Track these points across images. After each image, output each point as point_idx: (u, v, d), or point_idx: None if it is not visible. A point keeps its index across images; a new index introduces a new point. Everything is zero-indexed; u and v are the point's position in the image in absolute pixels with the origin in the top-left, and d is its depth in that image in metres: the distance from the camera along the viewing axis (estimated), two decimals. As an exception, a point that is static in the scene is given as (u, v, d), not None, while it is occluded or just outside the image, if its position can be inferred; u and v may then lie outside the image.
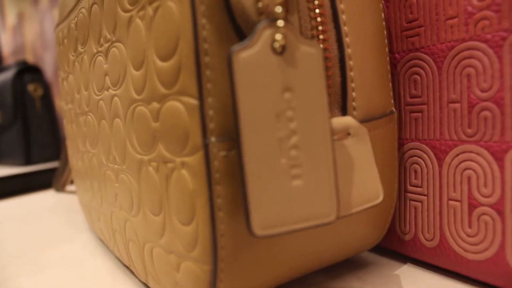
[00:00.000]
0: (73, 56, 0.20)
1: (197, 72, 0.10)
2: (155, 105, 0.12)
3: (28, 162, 0.63)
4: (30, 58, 1.14)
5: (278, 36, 0.10)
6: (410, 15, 0.15)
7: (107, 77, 0.15)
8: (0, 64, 1.00)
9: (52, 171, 0.49)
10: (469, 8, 0.13)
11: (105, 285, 0.17)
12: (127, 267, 0.19)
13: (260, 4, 0.10)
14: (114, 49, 0.14)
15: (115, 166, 0.15)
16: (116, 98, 0.14)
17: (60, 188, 0.39)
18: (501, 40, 0.12)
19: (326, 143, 0.10)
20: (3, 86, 0.65)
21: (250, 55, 0.09)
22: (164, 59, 0.11)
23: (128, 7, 0.13)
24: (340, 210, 0.11)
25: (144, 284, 0.17)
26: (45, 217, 0.30)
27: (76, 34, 0.19)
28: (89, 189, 0.21)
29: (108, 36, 0.15)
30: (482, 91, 0.13)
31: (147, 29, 0.12)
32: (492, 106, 0.13)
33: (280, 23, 0.10)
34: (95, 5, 0.16)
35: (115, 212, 0.16)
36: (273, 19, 0.10)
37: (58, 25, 0.24)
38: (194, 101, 0.10)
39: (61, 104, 0.25)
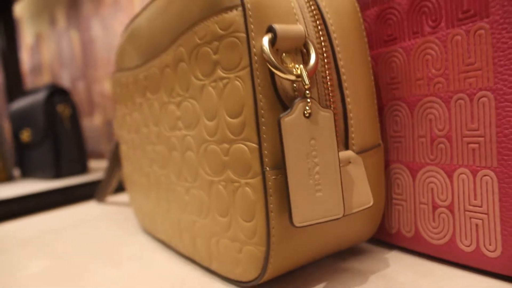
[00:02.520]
0: (140, 99, 0.27)
1: (257, 127, 0.17)
2: (225, 145, 0.18)
3: (57, 176, 0.70)
4: (47, 76, 1.21)
5: (307, 107, 0.16)
6: (392, 74, 0.22)
7: (179, 121, 0.22)
8: (20, 81, 1.07)
9: (80, 185, 0.55)
10: (430, 74, 0.20)
11: (171, 271, 0.24)
12: (186, 257, 0.25)
13: (295, 87, 0.17)
14: (187, 102, 0.21)
15: (186, 183, 0.22)
16: (189, 137, 0.21)
17: (102, 200, 0.46)
18: (449, 97, 0.19)
19: (336, 169, 0.17)
20: (34, 107, 0.72)
21: (291, 119, 0.16)
22: (233, 117, 0.18)
23: (201, 77, 0.20)
24: (345, 211, 0.18)
25: (205, 268, 0.23)
26: (99, 224, 0.37)
27: (146, 84, 0.26)
28: (153, 200, 0.27)
29: (181, 93, 0.21)
30: (439, 130, 0.20)
31: (219, 96, 0.18)
32: (445, 141, 0.19)
33: (308, 99, 0.16)
34: (167, 69, 0.23)
35: (183, 216, 0.23)
36: (303, 96, 0.16)
37: (118, 71, 0.31)
38: (254, 145, 0.17)
39: (121, 132, 0.32)
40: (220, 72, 0.18)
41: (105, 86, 1.02)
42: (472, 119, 0.18)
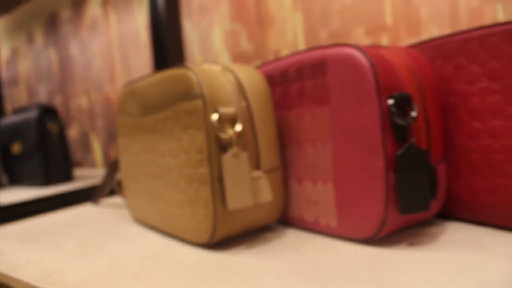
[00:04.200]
0: (140, 136, 0.45)
1: (209, 160, 0.36)
2: (193, 169, 0.37)
3: (47, 183, 0.87)
4: (23, 89, 1.36)
5: (235, 151, 0.35)
6: (289, 127, 0.41)
7: (166, 153, 0.40)
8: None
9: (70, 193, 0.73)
10: (303, 132, 0.39)
11: (158, 241, 0.42)
12: (168, 233, 0.44)
13: (229, 140, 0.36)
14: (171, 144, 0.40)
15: (170, 189, 0.41)
16: (172, 163, 0.40)
17: (97, 202, 0.64)
18: (305, 142, 0.38)
19: (249, 181, 0.36)
20: (26, 124, 0.88)
21: (227, 157, 0.35)
22: (197, 154, 0.36)
23: (179, 132, 0.38)
24: (254, 202, 0.37)
25: (180, 239, 0.42)
26: (101, 218, 0.55)
27: (145, 128, 0.44)
28: (147, 200, 0.45)
29: (168, 138, 0.40)
30: (309, 161, 0.39)
31: (190, 142, 0.37)
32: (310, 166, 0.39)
33: (235, 147, 0.35)
34: (160, 123, 0.41)
35: (167, 209, 0.41)
36: (233, 145, 0.35)
37: (121, 114, 0.49)
38: (208, 169, 0.36)
39: (122, 155, 0.50)
40: (190, 130, 0.37)
41: (82, 101, 1.19)
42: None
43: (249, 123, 0.38)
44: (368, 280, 0.28)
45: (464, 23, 0.67)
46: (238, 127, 0.36)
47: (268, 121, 0.39)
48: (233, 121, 0.37)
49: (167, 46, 0.81)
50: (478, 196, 0.36)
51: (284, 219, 0.43)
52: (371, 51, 0.33)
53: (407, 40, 0.72)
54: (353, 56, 0.33)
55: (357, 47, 0.33)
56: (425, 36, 0.71)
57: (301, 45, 0.81)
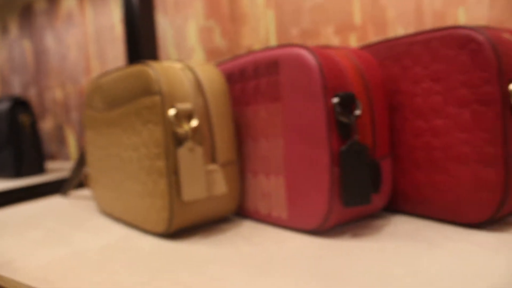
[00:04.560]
0: (105, 130, 0.47)
1: (166, 154, 0.38)
2: (152, 161, 0.39)
3: (18, 175, 0.88)
4: (-3, 81, 1.36)
5: (190, 145, 0.37)
6: (247, 121, 0.43)
7: (128, 146, 0.42)
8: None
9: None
10: (258, 126, 0.41)
11: (121, 230, 0.44)
12: (130, 224, 0.46)
13: (185, 134, 0.38)
14: (133, 137, 0.41)
15: (131, 181, 0.42)
16: (133, 156, 0.41)
17: (66, 194, 0.65)
18: (260, 137, 0.40)
19: (203, 173, 0.38)
20: (-2, 115, 0.89)
21: (182, 150, 0.37)
22: (155, 148, 0.38)
23: (140, 126, 0.40)
24: (209, 193, 0.39)
25: (141, 228, 0.44)
26: (69, 209, 0.56)
27: (110, 122, 0.46)
28: (111, 191, 0.47)
29: (130, 132, 0.42)
30: (262, 154, 0.41)
31: (149, 136, 0.39)
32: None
33: (190, 141, 0.37)
34: (123, 117, 0.43)
35: (130, 200, 0.43)
36: (188, 139, 0.37)
37: (88, 108, 0.50)
38: (165, 162, 0.38)
39: (89, 147, 0.51)
40: (149, 125, 0.39)
41: (57, 93, 1.19)
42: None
43: (206, 118, 0.40)
44: (309, 268, 0.31)
45: (428, 25, 0.70)
46: (194, 123, 0.38)
47: (225, 117, 0.41)
48: (189, 117, 0.39)
49: (140, 40, 0.82)
50: (420, 190, 0.39)
51: (241, 211, 0.45)
52: (320, 51, 0.36)
53: (374, 40, 0.75)
54: (302, 56, 0.35)
55: (306, 47, 0.35)
56: (392, 36, 0.73)
57: (273, 42, 0.83)
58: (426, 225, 0.38)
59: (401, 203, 0.41)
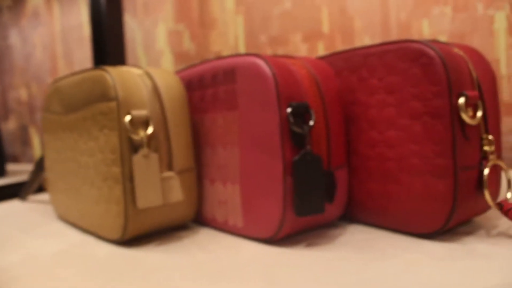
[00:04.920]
0: (62, 134, 0.46)
1: (122, 160, 0.38)
2: (108, 167, 0.39)
3: (-22, 178, 0.86)
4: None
5: (145, 152, 0.37)
6: (204, 130, 0.43)
7: (84, 152, 0.42)
8: None
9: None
10: (217, 133, 0.42)
11: (76, 236, 0.44)
12: (86, 230, 0.45)
13: (140, 141, 0.38)
14: (89, 142, 0.41)
15: (87, 186, 0.42)
16: (89, 161, 0.41)
17: (24, 198, 0.64)
18: (219, 145, 0.41)
19: (159, 181, 0.38)
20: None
21: (137, 157, 0.37)
22: (111, 154, 0.38)
23: (97, 131, 0.40)
24: (165, 201, 0.39)
25: (95, 234, 0.43)
26: (27, 214, 0.56)
27: (66, 126, 0.45)
28: (68, 196, 0.47)
29: (86, 137, 0.42)
30: (219, 162, 0.42)
31: (105, 142, 0.39)
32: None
33: (146, 148, 0.37)
34: (80, 121, 0.43)
35: (86, 206, 0.43)
36: (144, 146, 0.37)
37: (46, 111, 0.50)
38: (120, 169, 0.38)
39: (47, 151, 0.51)
40: (105, 130, 0.39)
41: (21, 93, 1.17)
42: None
43: (163, 125, 0.40)
44: (260, 277, 0.31)
45: (394, 35, 0.71)
46: (150, 130, 0.38)
47: (182, 124, 0.41)
48: (146, 124, 0.39)
49: (107, 42, 0.82)
50: (375, 200, 0.40)
51: (199, 218, 0.45)
52: (275, 61, 0.36)
53: (342, 48, 0.76)
54: (257, 65, 0.36)
55: (262, 57, 0.36)
56: (359, 45, 0.75)
57: (242, 48, 0.84)
58: (380, 235, 0.39)
59: (358, 213, 0.42)
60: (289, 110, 0.35)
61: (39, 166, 0.61)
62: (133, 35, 0.96)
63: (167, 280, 0.32)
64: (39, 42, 1.12)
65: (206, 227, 0.45)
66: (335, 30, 0.76)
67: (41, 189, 0.72)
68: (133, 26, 0.96)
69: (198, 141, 0.44)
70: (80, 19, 1.04)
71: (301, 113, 0.35)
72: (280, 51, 0.80)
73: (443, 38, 0.68)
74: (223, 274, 0.32)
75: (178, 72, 0.46)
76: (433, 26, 0.68)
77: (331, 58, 0.43)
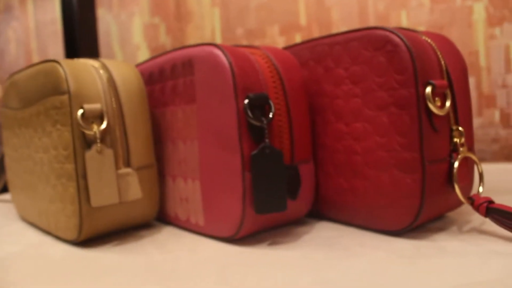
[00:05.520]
0: (18, 130, 0.45)
1: (74, 157, 0.36)
2: (61, 164, 0.37)
3: None
4: None
5: (99, 148, 0.36)
6: (165, 124, 0.42)
7: (39, 148, 0.40)
8: None
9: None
10: (175, 127, 0.40)
11: (35, 236, 0.42)
12: (44, 230, 0.44)
13: (94, 136, 0.36)
14: (43, 138, 0.40)
15: (43, 184, 0.41)
16: (44, 158, 0.40)
17: (-11, 198, 0.63)
18: (181, 139, 0.39)
19: (115, 177, 0.37)
20: None
21: (90, 153, 0.36)
22: (63, 150, 0.37)
23: (50, 127, 0.38)
24: (121, 199, 0.38)
25: (53, 234, 0.42)
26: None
27: (22, 122, 0.44)
28: (26, 195, 0.45)
29: (40, 132, 0.40)
30: (179, 158, 0.40)
31: (58, 137, 0.37)
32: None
33: (99, 143, 0.36)
34: (34, 116, 0.41)
35: (42, 205, 0.42)
36: (97, 142, 0.36)
37: (4, 106, 0.48)
38: (73, 166, 0.36)
39: (6, 149, 0.49)
40: (58, 126, 0.37)
41: (-4, 91, 1.15)
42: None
43: (119, 120, 0.38)
44: (214, 278, 0.30)
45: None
46: (104, 124, 0.37)
47: (140, 118, 0.40)
48: (100, 118, 0.37)
49: (79, 37, 0.80)
50: (342, 196, 0.39)
51: (162, 216, 0.44)
52: (234, 51, 0.35)
53: (317, 41, 0.74)
54: (214, 55, 0.34)
55: (219, 46, 0.35)
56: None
57: (219, 41, 0.82)
58: (347, 232, 0.38)
59: (326, 209, 0.41)
60: (246, 101, 0.33)
61: (1, 165, 0.59)
62: (109, 29, 0.95)
63: (119, 281, 0.30)
64: (12, 37, 1.10)
65: (169, 225, 0.44)
66: (312, 22, 0.74)
67: (5, 188, 0.70)
68: (108, 20, 0.95)
69: (160, 136, 0.43)
70: (55, 14, 1.02)
71: (261, 105, 0.34)
72: (257, 44, 0.79)
73: (421, 29, 0.66)
74: (176, 275, 0.31)
75: (140, 64, 0.45)
76: (412, 17, 0.67)
77: (296, 48, 0.42)
